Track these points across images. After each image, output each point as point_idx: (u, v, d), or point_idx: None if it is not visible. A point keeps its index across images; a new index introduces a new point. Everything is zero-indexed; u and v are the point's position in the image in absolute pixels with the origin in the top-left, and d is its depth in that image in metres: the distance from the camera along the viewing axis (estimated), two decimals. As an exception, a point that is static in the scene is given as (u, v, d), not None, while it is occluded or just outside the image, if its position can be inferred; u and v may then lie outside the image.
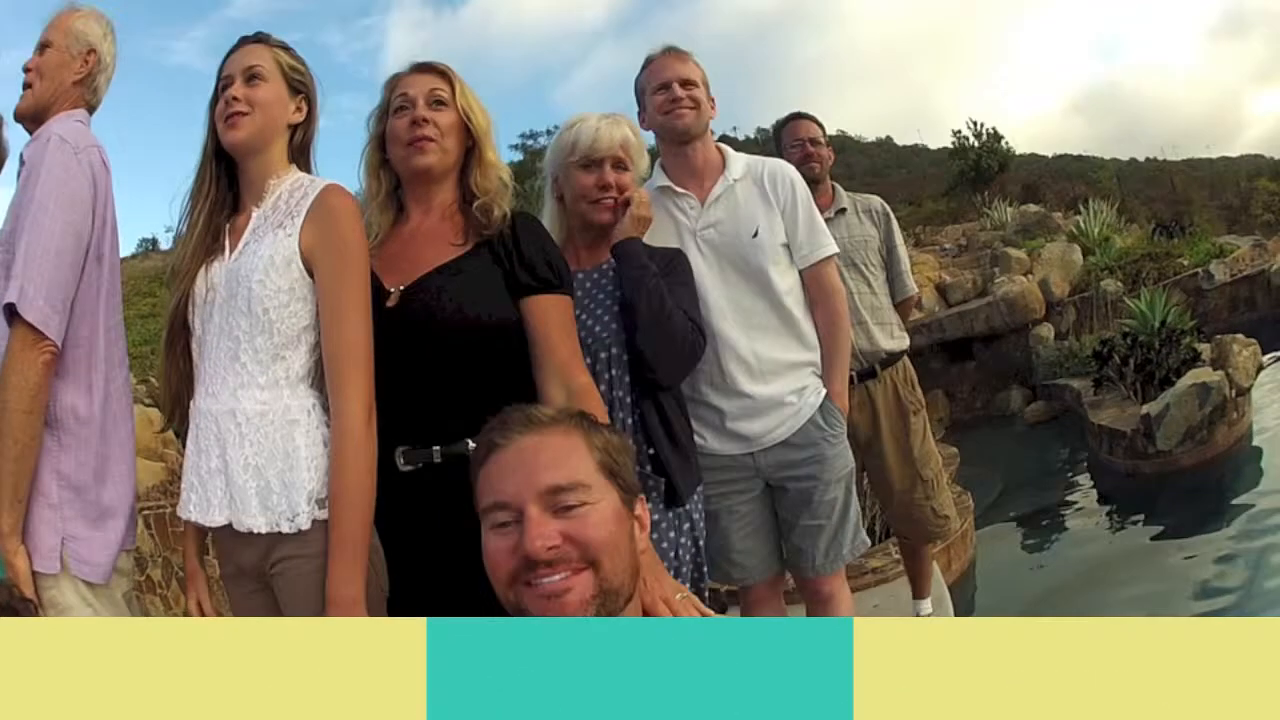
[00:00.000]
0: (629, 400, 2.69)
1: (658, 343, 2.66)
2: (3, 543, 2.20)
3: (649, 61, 3.18)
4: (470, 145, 2.48)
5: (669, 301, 2.69)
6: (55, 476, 2.32)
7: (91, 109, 2.67)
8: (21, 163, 2.51)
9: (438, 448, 2.24)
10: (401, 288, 2.33)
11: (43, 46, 2.63)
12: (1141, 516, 6.71)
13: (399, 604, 2.22)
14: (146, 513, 6.22)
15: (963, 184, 31.35)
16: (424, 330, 2.27)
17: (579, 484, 1.52)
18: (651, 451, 2.69)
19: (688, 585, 2.72)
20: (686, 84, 3.09)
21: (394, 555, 2.22)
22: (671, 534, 2.70)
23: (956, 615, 4.91)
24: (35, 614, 2.16)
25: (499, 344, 2.30)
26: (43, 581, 2.26)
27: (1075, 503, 7.68)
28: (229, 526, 2.17)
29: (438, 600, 1.94)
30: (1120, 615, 5.00)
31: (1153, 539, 6.33)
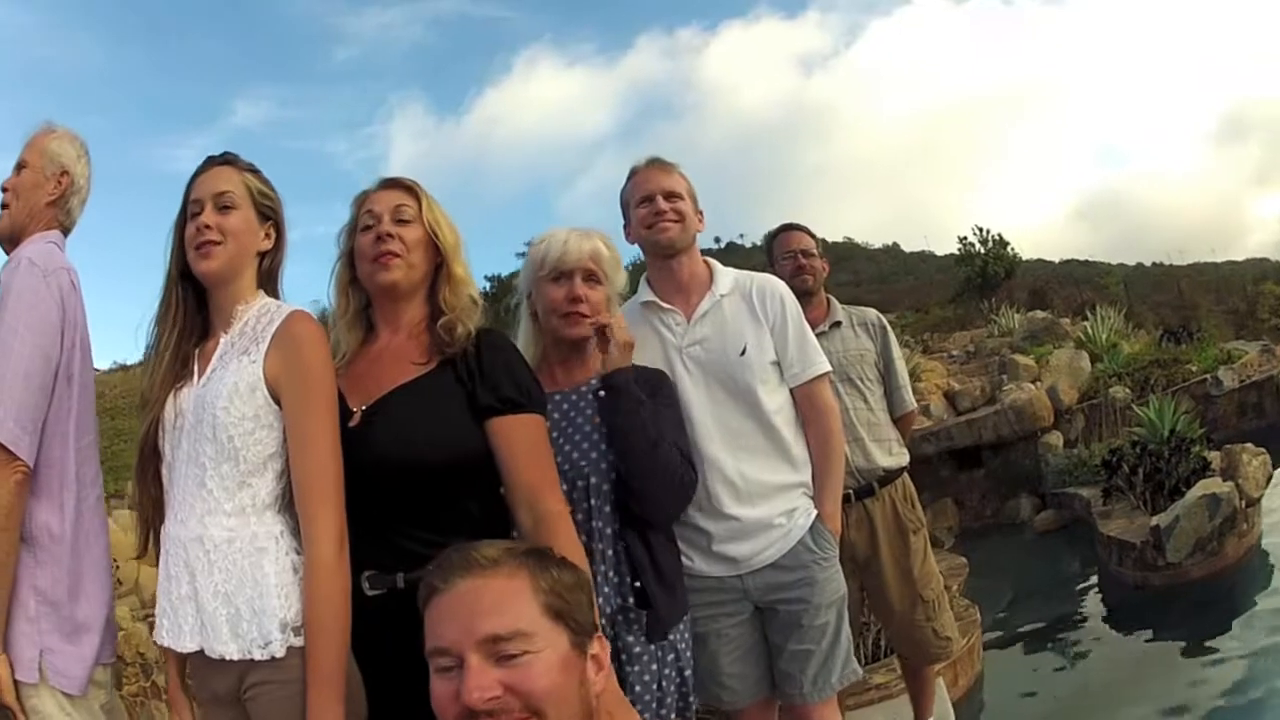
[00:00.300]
0: (610, 531, 2.61)
1: (648, 481, 2.60)
2: None
3: (633, 173, 3.13)
4: (440, 262, 2.45)
5: (664, 443, 2.63)
6: (33, 592, 2.37)
7: (65, 230, 2.71)
8: None
9: (401, 573, 2.19)
10: (363, 408, 2.30)
11: (19, 166, 2.68)
12: (1151, 629, 6.59)
13: None
14: (151, 619, 6.23)
15: (969, 290, 31.67)
16: (378, 455, 2.23)
17: (520, 632, 1.48)
18: (636, 584, 2.61)
19: (672, 716, 2.63)
20: (670, 196, 3.03)
21: (367, 678, 2.18)
22: (654, 666, 2.60)
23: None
24: None
25: (444, 472, 2.25)
26: (24, 690, 2.31)
27: (1085, 614, 7.53)
28: (201, 652, 2.14)
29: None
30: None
31: (1163, 644, 6.22)
